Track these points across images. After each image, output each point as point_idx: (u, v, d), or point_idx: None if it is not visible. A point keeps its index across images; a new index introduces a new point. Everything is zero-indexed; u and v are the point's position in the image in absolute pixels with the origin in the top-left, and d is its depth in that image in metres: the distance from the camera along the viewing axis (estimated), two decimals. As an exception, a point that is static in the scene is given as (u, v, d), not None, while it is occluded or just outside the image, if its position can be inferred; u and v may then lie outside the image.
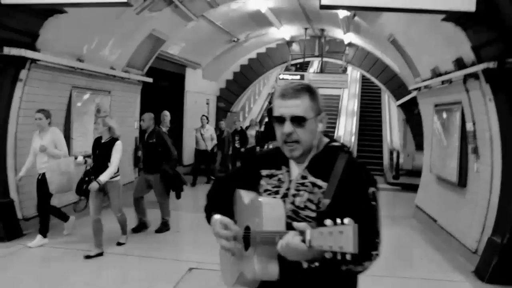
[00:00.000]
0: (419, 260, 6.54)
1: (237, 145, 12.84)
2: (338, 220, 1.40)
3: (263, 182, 1.97)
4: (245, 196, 1.93)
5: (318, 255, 1.50)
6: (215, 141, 11.89)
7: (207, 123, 11.92)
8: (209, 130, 11.78)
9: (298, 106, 1.79)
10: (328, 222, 1.41)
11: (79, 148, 7.81)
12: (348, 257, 1.37)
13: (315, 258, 1.54)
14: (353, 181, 1.76)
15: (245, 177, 2.05)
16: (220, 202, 2.03)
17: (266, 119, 15.86)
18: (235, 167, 2.04)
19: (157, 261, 5.74)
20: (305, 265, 1.66)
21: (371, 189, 1.76)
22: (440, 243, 7.09)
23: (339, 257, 1.38)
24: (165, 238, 6.85)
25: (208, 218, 1.97)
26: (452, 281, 5.58)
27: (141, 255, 5.92)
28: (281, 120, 1.81)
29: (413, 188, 9.84)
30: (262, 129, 14.48)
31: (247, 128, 13.82)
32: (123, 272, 5.35)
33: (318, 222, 1.68)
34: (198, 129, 11.80)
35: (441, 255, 6.56)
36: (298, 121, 1.79)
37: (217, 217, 1.89)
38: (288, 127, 1.79)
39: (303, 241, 1.49)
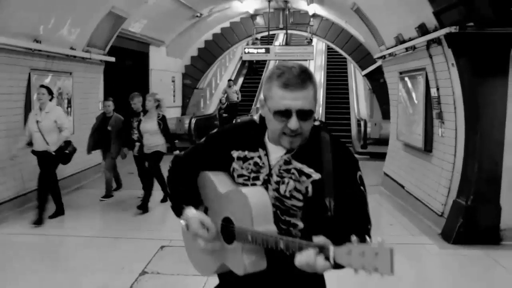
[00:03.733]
0: (388, 226, 6.70)
1: (135, 137, 7.18)
2: (368, 239, 1.38)
3: (236, 165, 1.75)
4: (218, 182, 1.75)
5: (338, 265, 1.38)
6: (65, 134, 6.32)
7: (51, 99, 6.40)
8: (53, 113, 6.29)
9: (306, 98, 1.58)
10: (353, 238, 1.31)
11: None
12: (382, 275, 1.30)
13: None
14: (343, 168, 1.66)
15: (211, 157, 1.81)
16: (185, 189, 1.80)
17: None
18: (196, 145, 1.90)
19: (130, 241, 5.72)
20: None
21: (359, 173, 1.69)
22: (408, 208, 7.27)
23: (371, 274, 1.31)
24: (137, 218, 6.77)
25: (177, 208, 1.78)
26: (420, 244, 5.76)
27: (114, 236, 5.90)
28: (286, 114, 1.58)
29: (381, 157, 9.99)
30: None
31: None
32: (97, 253, 5.29)
33: (305, 211, 1.65)
34: (33, 114, 6.39)
35: (409, 220, 6.74)
36: (306, 114, 1.59)
37: (192, 212, 1.70)
38: (295, 122, 1.57)
39: (327, 258, 1.36)
